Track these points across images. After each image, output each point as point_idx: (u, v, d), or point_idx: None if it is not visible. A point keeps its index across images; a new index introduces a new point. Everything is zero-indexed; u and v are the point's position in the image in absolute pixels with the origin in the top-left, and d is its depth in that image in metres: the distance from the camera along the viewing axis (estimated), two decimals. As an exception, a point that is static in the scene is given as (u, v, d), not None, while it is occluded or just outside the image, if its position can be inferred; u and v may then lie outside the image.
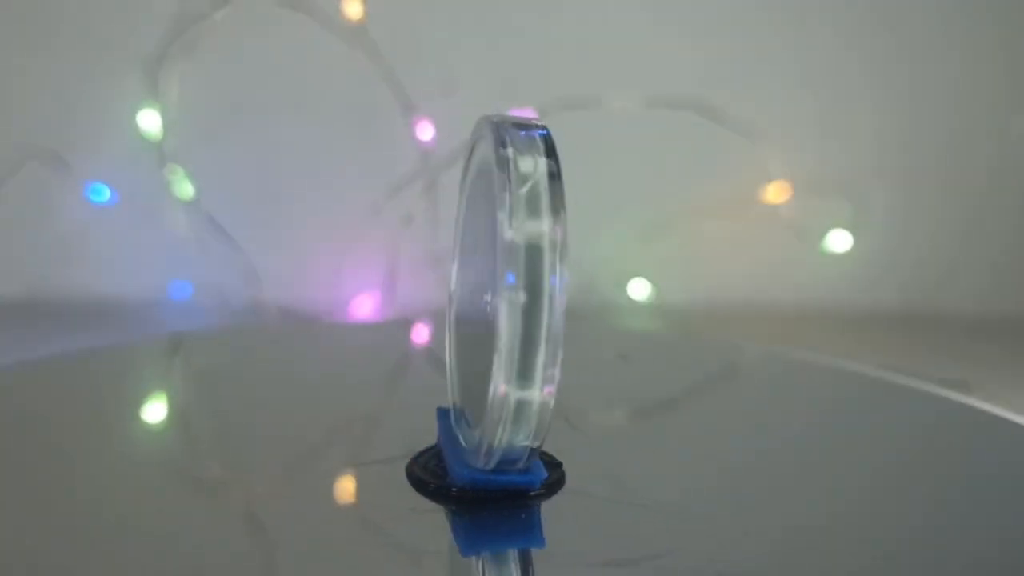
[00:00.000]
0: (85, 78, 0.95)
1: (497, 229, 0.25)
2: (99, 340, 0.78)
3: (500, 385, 0.25)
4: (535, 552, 0.27)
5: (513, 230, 0.25)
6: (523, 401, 0.25)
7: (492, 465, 0.27)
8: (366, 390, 0.43)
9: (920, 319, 1.04)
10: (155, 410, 0.41)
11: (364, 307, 0.95)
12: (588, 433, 0.26)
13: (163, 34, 0.87)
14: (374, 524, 0.29)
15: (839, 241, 0.99)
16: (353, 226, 0.95)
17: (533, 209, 0.25)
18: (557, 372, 0.25)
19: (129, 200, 0.94)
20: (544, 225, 0.25)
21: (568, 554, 0.27)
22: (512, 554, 0.27)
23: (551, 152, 0.26)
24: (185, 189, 0.91)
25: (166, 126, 0.90)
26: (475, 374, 0.29)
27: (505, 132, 0.27)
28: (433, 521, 0.29)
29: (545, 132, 0.27)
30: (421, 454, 0.31)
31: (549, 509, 0.29)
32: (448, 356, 0.32)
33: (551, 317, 0.25)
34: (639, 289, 1.01)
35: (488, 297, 0.28)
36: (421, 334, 0.53)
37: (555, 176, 0.26)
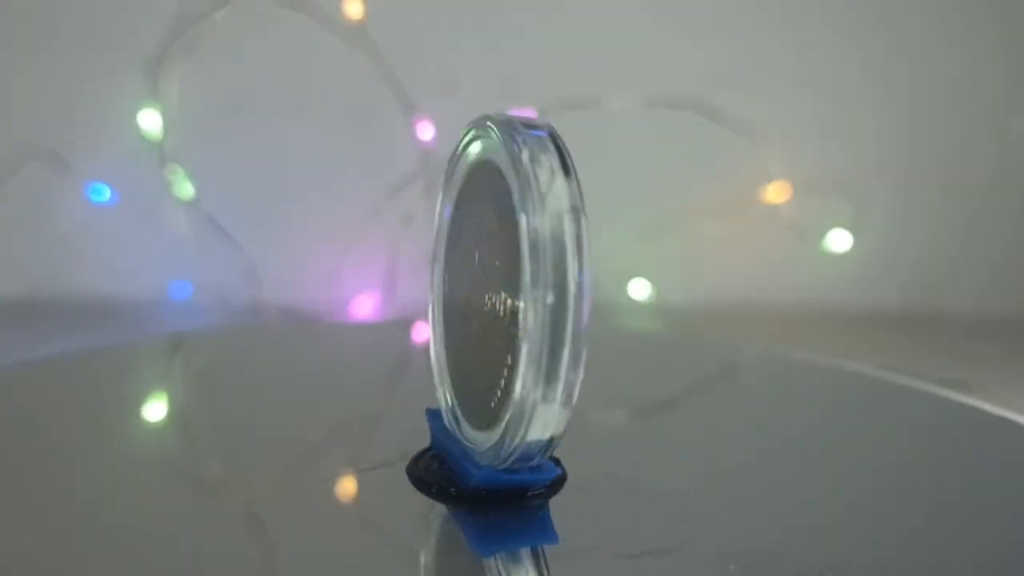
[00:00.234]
0: (85, 78, 0.95)
1: (521, 229, 0.25)
2: (99, 340, 0.78)
3: (526, 385, 0.25)
4: (549, 548, 0.27)
5: (538, 229, 0.25)
6: (548, 400, 0.26)
7: (508, 464, 0.27)
8: (366, 390, 0.43)
9: (920, 319, 1.04)
10: (155, 410, 0.41)
11: (364, 307, 0.95)
12: (587, 433, 0.26)
13: (163, 34, 0.87)
14: (374, 524, 0.29)
15: (839, 241, 0.99)
16: (353, 226, 0.95)
17: (556, 208, 0.25)
18: (581, 371, 0.26)
19: (129, 200, 0.94)
20: (568, 224, 0.25)
21: (581, 548, 0.27)
22: (526, 552, 0.27)
23: (564, 150, 0.26)
24: (185, 189, 0.91)
25: (166, 126, 0.90)
26: (475, 374, 0.29)
27: (515, 131, 0.27)
28: (433, 521, 0.29)
29: (553, 131, 0.27)
30: (420, 456, 0.31)
31: (553, 507, 0.29)
32: (435, 357, 0.32)
33: (577, 316, 0.25)
34: (639, 289, 1.01)
35: (492, 297, 0.28)
36: (421, 334, 0.53)
37: (573, 174, 0.26)
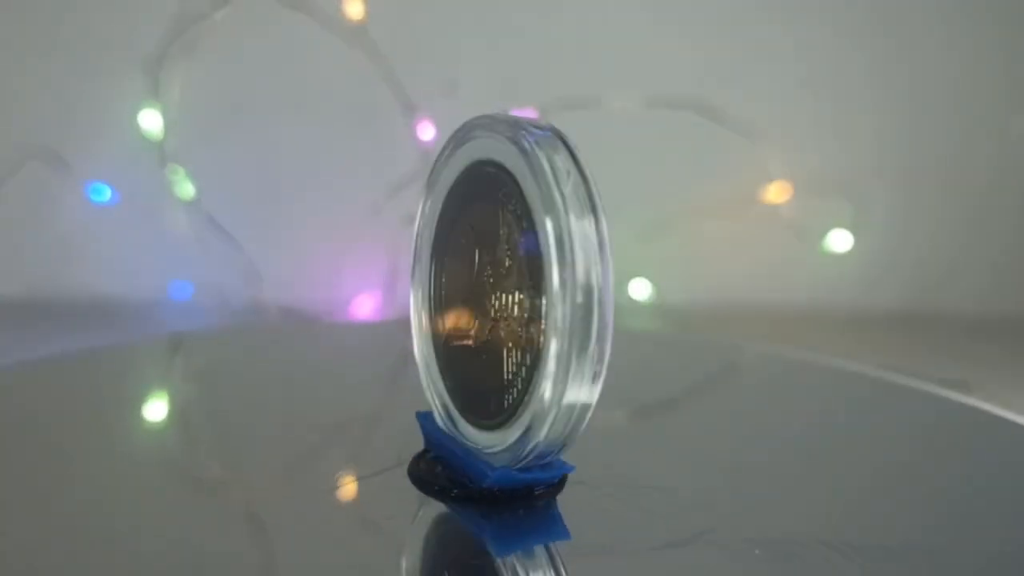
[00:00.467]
0: (85, 78, 0.95)
1: (546, 230, 0.25)
2: (99, 340, 0.78)
3: (555, 384, 0.25)
4: (560, 545, 0.27)
5: (563, 230, 0.25)
6: (572, 399, 0.26)
7: (526, 463, 0.27)
8: (366, 390, 0.43)
9: (920, 319, 1.04)
10: (155, 410, 0.41)
11: (364, 307, 0.95)
12: (588, 432, 0.26)
13: (163, 34, 0.88)
14: (375, 524, 0.29)
15: (839, 241, 0.99)
16: (353, 226, 0.95)
17: (578, 208, 0.25)
18: (603, 370, 0.26)
19: (129, 200, 0.94)
20: (590, 224, 0.25)
21: (592, 544, 0.27)
22: (541, 549, 0.27)
23: (574, 149, 0.26)
24: (186, 189, 0.91)
25: (167, 126, 0.90)
26: (479, 375, 0.29)
27: (524, 131, 0.26)
28: (433, 522, 0.29)
29: (557, 130, 0.27)
30: (420, 457, 0.31)
31: (559, 504, 0.29)
32: (423, 359, 0.31)
33: (601, 317, 0.25)
34: (639, 289, 1.01)
35: (502, 297, 0.28)
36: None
37: (587, 173, 0.26)
